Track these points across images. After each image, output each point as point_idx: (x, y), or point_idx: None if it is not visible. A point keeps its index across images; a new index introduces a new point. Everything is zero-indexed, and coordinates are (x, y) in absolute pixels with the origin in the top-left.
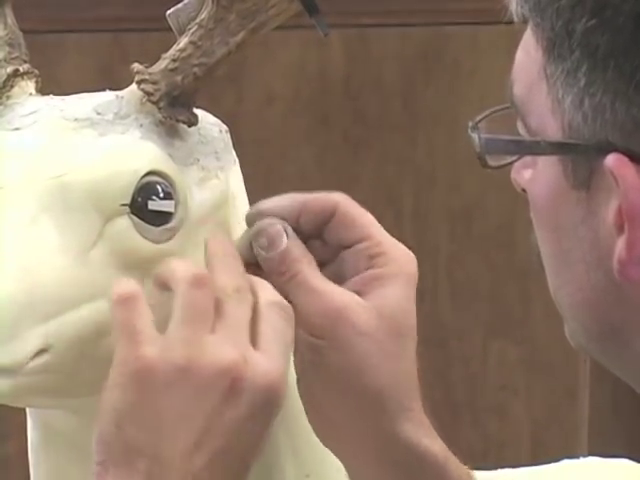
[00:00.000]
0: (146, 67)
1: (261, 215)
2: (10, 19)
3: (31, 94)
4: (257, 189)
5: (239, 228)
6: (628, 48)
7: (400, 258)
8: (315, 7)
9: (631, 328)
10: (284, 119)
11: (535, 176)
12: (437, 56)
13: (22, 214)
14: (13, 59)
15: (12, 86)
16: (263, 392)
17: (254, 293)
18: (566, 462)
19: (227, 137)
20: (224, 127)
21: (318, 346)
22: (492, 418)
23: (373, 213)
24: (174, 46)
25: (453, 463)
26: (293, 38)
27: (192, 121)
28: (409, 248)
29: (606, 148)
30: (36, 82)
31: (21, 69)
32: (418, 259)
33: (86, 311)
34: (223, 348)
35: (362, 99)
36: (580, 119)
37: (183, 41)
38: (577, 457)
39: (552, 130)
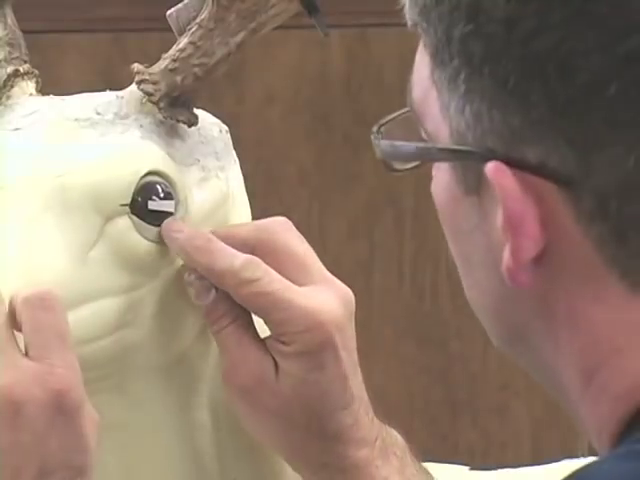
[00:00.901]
0: (146, 67)
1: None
2: (10, 19)
3: (31, 94)
4: (257, 189)
5: None
6: (500, 54)
7: (304, 333)
8: (315, 7)
9: (533, 332)
10: (284, 119)
11: (436, 179)
12: None
13: (22, 214)
14: (13, 59)
15: (12, 86)
16: (48, 402)
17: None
18: (566, 462)
19: (227, 137)
20: (224, 127)
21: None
22: (493, 418)
23: (374, 213)
24: (174, 46)
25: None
26: (293, 38)
27: (192, 121)
28: (410, 248)
29: (488, 155)
30: (36, 82)
31: (21, 69)
32: (419, 258)
33: (86, 311)
34: None
35: (362, 99)
36: (464, 126)
37: (183, 41)
38: (577, 457)
39: (443, 136)
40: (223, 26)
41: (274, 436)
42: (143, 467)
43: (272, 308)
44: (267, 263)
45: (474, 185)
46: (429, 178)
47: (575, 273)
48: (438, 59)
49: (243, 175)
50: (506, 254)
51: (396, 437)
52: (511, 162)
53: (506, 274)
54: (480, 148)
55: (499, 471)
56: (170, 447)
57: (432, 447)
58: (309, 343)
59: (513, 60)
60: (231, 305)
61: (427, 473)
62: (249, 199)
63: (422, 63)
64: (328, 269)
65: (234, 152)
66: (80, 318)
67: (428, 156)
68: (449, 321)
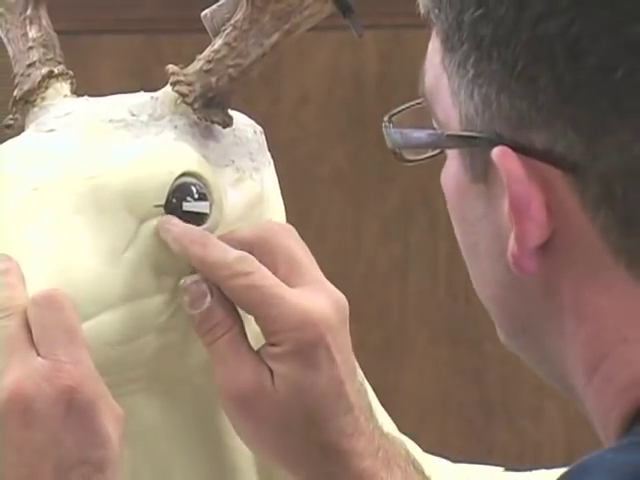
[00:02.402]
0: (181, 68)
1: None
2: (45, 20)
3: (66, 95)
4: (292, 190)
5: None
6: (509, 38)
7: (295, 331)
8: (349, 8)
9: (539, 322)
10: (318, 120)
11: (445, 169)
12: None
13: (55, 215)
14: (48, 60)
15: (47, 87)
16: (58, 398)
17: (22, 299)
18: None
19: (262, 138)
20: (258, 128)
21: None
22: (527, 419)
23: (408, 214)
24: (209, 47)
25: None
26: (327, 39)
27: (227, 122)
28: (444, 249)
29: (495, 140)
30: (71, 83)
31: (56, 70)
32: (453, 259)
33: (121, 312)
34: (3, 381)
35: (396, 100)
36: (472, 111)
37: (218, 42)
38: None
39: (453, 123)
40: (258, 27)
41: (275, 447)
42: (175, 469)
43: (263, 303)
44: (262, 263)
45: (481, 172)
46: None
47: (582, 261)
48: (449, 45)
49: (277, 176)
50: (512, 240)
51: (399, 447)
52: (518, 147)
53: (511, 261)
54: (488, 133)
55: (534, 472)
56: (203, 449)
57: (466, 448)
58: (300, 341)
59: (521, 43)
60: (226, 314)
61: None
62: (284, 200)
63: (434, 51)
64: (363, 270)
65: (268, 153)
66: (113, 320)
67: (436, 143)
68: (483, 322)
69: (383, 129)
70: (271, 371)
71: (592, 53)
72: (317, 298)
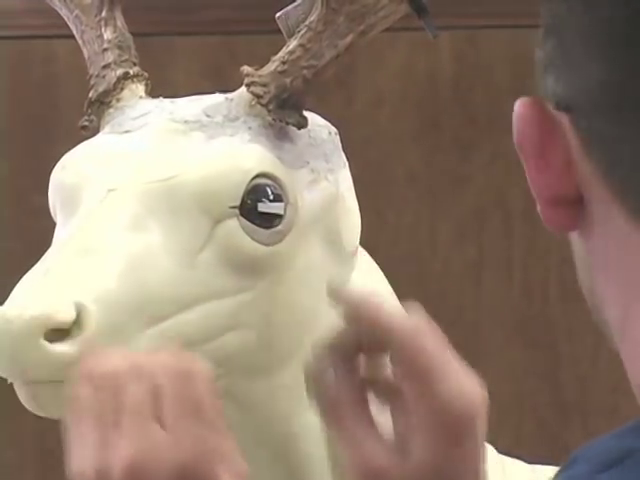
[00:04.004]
0: (255, 69)
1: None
2: (120, 22)
3: (141, 97)
4: (366, 191)
5: (347, 231)
6: None
7: (451, 412)
8: (424, 9)
9: (596, 288)
10: (393, 121)
11: None
12: None
13: (131, 216)
14: (123, 62)
15: (122, 89)
16: (172, 474)
17: (155, 366)
18: None
19: (336, 139)
20: (333, 129)
21: None
22: (603, 420)
23: (483, 215)
24: (283, 48)
25: None
26: (402, 40)
27: (302, 123)
28: (519, 250)
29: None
30: (146, 85)
31: (131, 72)
32: (528, 260)
33: (195, 314)
34: (123, 448)
35: (471, 101)
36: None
37: (292, 43)
38: None
39: None
40: (332, 28)
41: None
42: (252, 471)
43: (432, 374)
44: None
45: None
46: None
47: (601, 217)
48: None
49: (352, 177)
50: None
51: None
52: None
53: (539, 210)
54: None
55: None
56: (278, 449)
57: (542, 449)
58: (453, 422)
59: None
60: (351, 394)
61: None
62: (358, 201)
63: None
64: (437, 271)
65: (343, 154)
66: (188, 321)
67: None
68: (559, 323)
69: None
70: (406, 446)
71: None
72: (474, 385)
